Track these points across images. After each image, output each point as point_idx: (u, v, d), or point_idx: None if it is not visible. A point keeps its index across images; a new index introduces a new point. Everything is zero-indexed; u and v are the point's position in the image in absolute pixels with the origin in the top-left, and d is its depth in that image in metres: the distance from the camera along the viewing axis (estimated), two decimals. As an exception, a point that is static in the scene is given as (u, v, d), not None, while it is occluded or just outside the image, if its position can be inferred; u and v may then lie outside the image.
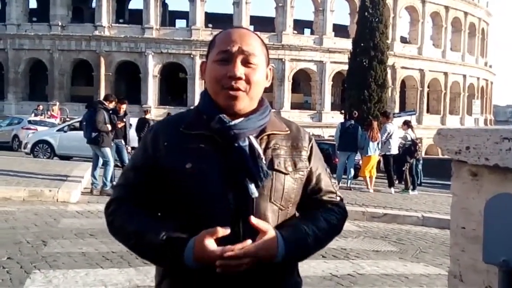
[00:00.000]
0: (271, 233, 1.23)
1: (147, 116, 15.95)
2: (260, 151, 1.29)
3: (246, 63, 1.31)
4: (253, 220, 1.22)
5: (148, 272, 4.18)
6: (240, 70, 1.29)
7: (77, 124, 16.82)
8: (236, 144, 1.27)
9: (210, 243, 1.18)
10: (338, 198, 1.45)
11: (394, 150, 11.66)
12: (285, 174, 1.32)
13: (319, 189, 1.41)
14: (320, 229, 1.33)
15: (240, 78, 1.29)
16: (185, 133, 1.30)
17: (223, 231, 1.18)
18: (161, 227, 1.26)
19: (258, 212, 1.26)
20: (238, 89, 1.29)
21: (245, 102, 1.31)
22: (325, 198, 1.42)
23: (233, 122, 1.29)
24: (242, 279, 1.24)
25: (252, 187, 1.25)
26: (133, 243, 1.29)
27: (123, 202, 1.34)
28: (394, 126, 11.95)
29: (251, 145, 1.28)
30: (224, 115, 1.29)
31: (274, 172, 1.30)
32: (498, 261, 1.14)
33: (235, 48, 1.30)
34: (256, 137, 1.31)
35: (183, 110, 1.37)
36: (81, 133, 15.80)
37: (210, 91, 1.34)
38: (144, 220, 1.29)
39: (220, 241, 1.22)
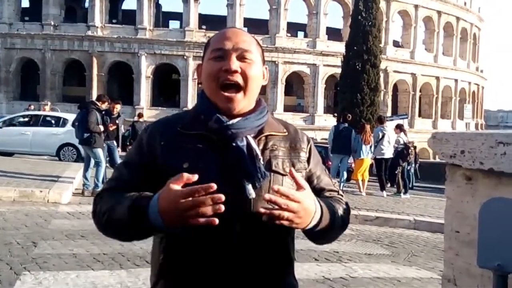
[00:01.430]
0: (309, 190, 1.22)
1: (141, 120, 15.85)
2: (258, 151, 1.27)
3: (241, 58, 1.30)
4: (293, 172, 1.22)
5: (139, 274, 4.15)
6: (235, 64, 1.28)
7: (13, 120, 16.71)
8: (234, 144, 1.25)
9: (174, 186, 1.10)
10: (341, 196, 1.44)
11: (388, 154, 11.70)
12: (283, 175, 1.31)
13: (321, 188, 1.40)
14: (338, 210, 1.34)
15: (235, 71, 1.27)
16: (183, 133, 1.29)
17: (188, 176, 1.11)
18: (131, 196, 1.20)
19: (255, 213, 1.24)
20: (234, 85, 1.28)
21: (243, 104, 1.30)
22: (327, 194, 1.41)
23: (230, 122, 1.27)
24: (239, 280, 1.23)
25: (249, 187, 1.23)
26: (106, 218, 1.24)
27: (110, 193, 1.29)
28: (388, 130, 11.99)
29: (249, 145, 1.26)
30: (222, 115, 1.28)
31: (272, 174, 1.29)
32: (492, 265, 1.14)
33: (229, 45, 1.29)
34: (254, 138, 1.30)
35: (176, 112, 1.34)
36: (17, 129, 15.88)
37: (207, 89, 1.33)
38: (119, 196, 1.23)
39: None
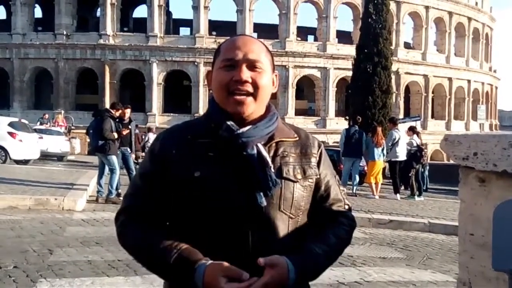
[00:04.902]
0: (281, 265, 1.19)
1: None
2: (269, 159, 1.28)
3: (251, 67, 1.30)
4: (261, 261, 1.18)
5: (154, 281, 4.16)
6: (246, 74, 1.29)
7: None
8: (245, 153, 1.26)
9: (222, 281, 1.15)
10: (347, 207, 1.43)
11: (402, 156, 11.61)
12: (294, 182, 1.31)
13: (328, 196, 1.39)
14: (330, 245, 1.31)
15: (246, 81, 1.28)
16: (193, 141, 1.30)
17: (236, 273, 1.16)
18: (171, 246, 1.23)
19: (267, 221, 1.25)
20: (245, 93, 1.28)
21: (253, 107, 1.30)
22: (333, 208, 1.39)
23: (241, 130, 1.27)
24: None
25: (261, 196, 1.24)
26: (143, 259, 1.29)
27: (132, 213, 1.33)
28: (401, 132, 11.91)
29: (259, 153, 1.27)
30: (232, 123, 1.28)
31: (283, 181, 1.29)
32: (507, 268, 1.13)
33: (239, 55, 1.30)
34: (264, 145, 1.30)
35: (188, 118, 1.34)
36: None
37: (217, 98, 1.33)
38: (154, 237, 1.26)
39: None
